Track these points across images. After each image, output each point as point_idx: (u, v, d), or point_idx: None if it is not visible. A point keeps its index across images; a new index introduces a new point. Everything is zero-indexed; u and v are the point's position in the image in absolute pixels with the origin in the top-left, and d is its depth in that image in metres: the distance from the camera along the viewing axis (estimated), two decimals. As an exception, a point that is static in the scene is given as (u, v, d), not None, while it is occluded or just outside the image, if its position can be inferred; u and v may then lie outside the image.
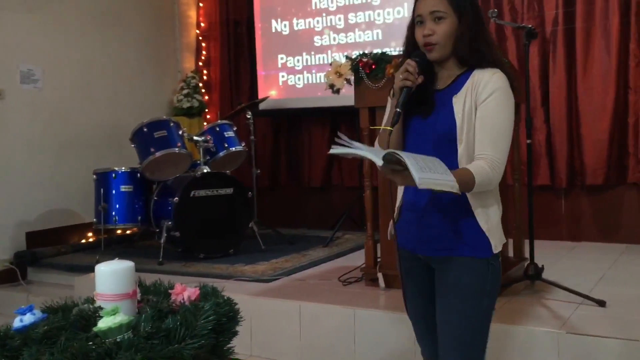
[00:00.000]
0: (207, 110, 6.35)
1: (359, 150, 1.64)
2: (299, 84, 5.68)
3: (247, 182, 5.53)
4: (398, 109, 1.81)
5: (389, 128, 1.84)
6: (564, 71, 4.71)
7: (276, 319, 3.36)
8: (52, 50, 5.12)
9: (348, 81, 3.53)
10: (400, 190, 1.95)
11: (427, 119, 1.85)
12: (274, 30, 5.77)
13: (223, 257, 4.54)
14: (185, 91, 6.16)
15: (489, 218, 1.79)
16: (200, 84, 6.33)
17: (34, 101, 4.98)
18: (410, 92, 1.83)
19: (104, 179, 4.68)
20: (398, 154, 1.57)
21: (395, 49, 5.14)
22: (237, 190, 4.66)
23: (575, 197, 4.78)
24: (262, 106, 5.66)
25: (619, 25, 4.50)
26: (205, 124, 6.32)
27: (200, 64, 6.45)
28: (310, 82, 5.62)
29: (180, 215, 4.42)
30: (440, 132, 1.81)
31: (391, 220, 1.97)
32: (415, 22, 1.86)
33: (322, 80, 5.44)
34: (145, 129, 4.57)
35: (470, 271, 1.78)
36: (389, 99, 1.98)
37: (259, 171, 5.35)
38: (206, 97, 6.37)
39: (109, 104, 5.56)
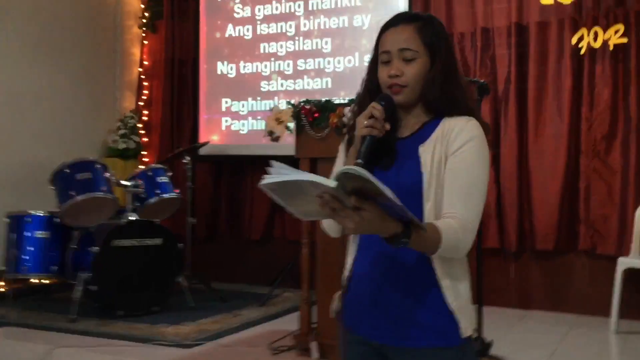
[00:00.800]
0: (144, 152, 5.96)
1: (300, 175, 1.26)
2: (243, 130, 5.39)
3: (182, 231, 5.15)
4: (360, 160, 1.48)
5: None
6: (515, 131, 4.56)
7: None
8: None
9: (288, 129, 3.25)
10: (351, 256, 1.63)
11: (388, 171, 1.55)
12: (219, 73, 5.50)
13: (145, 315, 4.11)
14: (121, 131, 5.78)
15: (458, 294, 1.49)
16: (139, 125, 5.96)
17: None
18: (374, 141, 1.52)
19: (17, 223, 4.23)
20: (361, 171, 1.20)
21: (344, 98, 4.92)
22: (166, 240, 4.27)
23: (525, 262, 4.57)
24: (202, 151, 5.34)
25: (571, 88, 4.40)
26: (141, 166, 5.95)
27: (141, 103, 6.09)
28: (254, 128, 5.33)
29: (100, 267, 3.99)
30: (403, 187, 1.49)
31: (337, 294, 1.64)
32: (379, 58, 1.60)
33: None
34: (67, 170, 4.17)
35: None
36: (341, 148, 1.68)
37: (195, 220, 4.97)
38: (145, 139, 6.00)
39: (35, 140, 5.12)
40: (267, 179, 1.28)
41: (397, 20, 1.59)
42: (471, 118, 1.53)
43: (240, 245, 5.64)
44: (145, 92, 6.11)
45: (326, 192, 1.28)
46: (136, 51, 6.17)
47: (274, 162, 1.33)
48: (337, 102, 3.15)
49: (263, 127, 5.20)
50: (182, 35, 5.89)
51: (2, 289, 4.63)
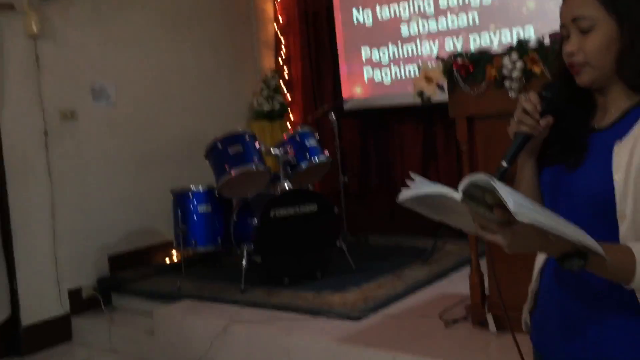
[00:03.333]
0: (289, 110, 5.93)
1: (429, 188, 1.15)
2: (387, 80, 5.12)
3: (334, 190, 5.10)
4: (504, 163, 1.27)
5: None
6: None
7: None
8: (123, 63, 4.87)
9: (440, 87, 2.96)
10: (538, 263, 1.38)
11: (574, 173, 1.26)
12: (355, 22, 5.23)
13: (310, 281, 4.14)
14: (265, 93, 5.78)
15: None
16: (281, 83, 5.92)
17: (108, 118, 4.76)
18: (526, 140, 1.29)
19: (181, 200, 4.39)
20: (487, 180, 1.04)
21: (495, 32, 4.47)
22: (321, 206, 4.22)
23: None
24: (347, 106, 5.17)
25: None
26: (288, 124, 5.94)
27: (281, 61, 6.02)
28: (398, 77, 5.04)
29: (261, 239, 4.04)
30: (588, 196, 1.21)
31: (525, 306, 1.42)
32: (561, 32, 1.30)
33: (412, 75, 4.89)
34: (219, 145, 4.21)
35: None
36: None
37: (346, 178, 4.88)
38: (288, 96, 5.95)
39: (186, 114, 5.28)
40: (402, 194, 1.19)
41: None
42: None
43: (393, 198, 5.45)
44: (283, 49, 6.02)
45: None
46: (269, 7, 6.06)
47: (413, 175, 1.20)
48: (493, 52, 2.78)
49: (407, 75, 4.95)
50: (313, -14, 5.67)
51: (175, 260, 4.93)
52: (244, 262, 4.10)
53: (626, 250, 1.11)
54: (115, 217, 4.75)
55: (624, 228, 1.17)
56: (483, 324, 2.95)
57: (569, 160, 1.28)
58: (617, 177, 1.17)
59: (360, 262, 4.40)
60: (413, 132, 5.19)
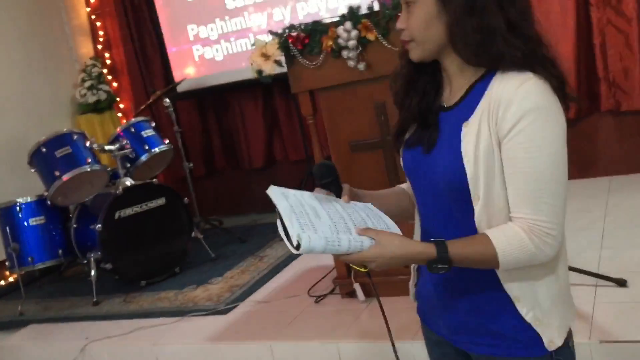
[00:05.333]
0: (118, 99, 5.51)
1: (280, 208, 1.15)
2: (218, 57, 4.91)
3: (180, 178, 4.86)
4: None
5: None
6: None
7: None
8: None
9: (278, 63, 2.85)
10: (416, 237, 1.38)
11: (429, 155, 1.24)
12: (176, -2, 4.93)
13: (169, 279, 3.92)
14: (87, 83, 5.30)
15: (535, 303, 1.19)
16: (105, 71, 5.46)
17: None
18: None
19: (7, 215, 3.92)
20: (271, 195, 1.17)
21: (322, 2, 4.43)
22: (169, 198, 3.98)
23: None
24: (181, 88, 4.90)
25: None
26: (119, 114, 5.52)
27: (100, 47, 5.54)
28: (230, 52, 4.85)
29: (108, 244, 3.72)
30: (444, 180, 1.19)
31: (410, 281, 1.43)
32: None
33: (244, 49, 4.74)
34: (43, 149, 3.78)
35: None
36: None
37: (191, 165, 4.64)
38: (114, 84, 5.52)
39: (1, 118, 4.67)
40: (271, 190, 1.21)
41: None
42: (528, 76, 1.13)
43: (242, 176, 5.36)
44: (101, 33, 5.54)
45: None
46: (78, -10, 5.53)
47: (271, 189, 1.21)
48: (326, 22, 2.72)
49: (239, 49, 4.79)
50: (123, -39, 5.24)
51: (12, 281, 4.41)
52: (92, 272, 3.76)
53: (483, 241, 1.14)
54: None
55: (477, 209, 1.17)
56: (352, 294, 2.96)
57: (423, 142, 1.25)
58: (467, 160, 1.16)
59: (219, 248, 4.27)
60: (253, 106, 5.07)
